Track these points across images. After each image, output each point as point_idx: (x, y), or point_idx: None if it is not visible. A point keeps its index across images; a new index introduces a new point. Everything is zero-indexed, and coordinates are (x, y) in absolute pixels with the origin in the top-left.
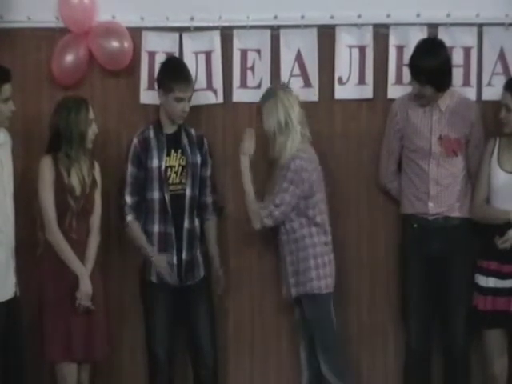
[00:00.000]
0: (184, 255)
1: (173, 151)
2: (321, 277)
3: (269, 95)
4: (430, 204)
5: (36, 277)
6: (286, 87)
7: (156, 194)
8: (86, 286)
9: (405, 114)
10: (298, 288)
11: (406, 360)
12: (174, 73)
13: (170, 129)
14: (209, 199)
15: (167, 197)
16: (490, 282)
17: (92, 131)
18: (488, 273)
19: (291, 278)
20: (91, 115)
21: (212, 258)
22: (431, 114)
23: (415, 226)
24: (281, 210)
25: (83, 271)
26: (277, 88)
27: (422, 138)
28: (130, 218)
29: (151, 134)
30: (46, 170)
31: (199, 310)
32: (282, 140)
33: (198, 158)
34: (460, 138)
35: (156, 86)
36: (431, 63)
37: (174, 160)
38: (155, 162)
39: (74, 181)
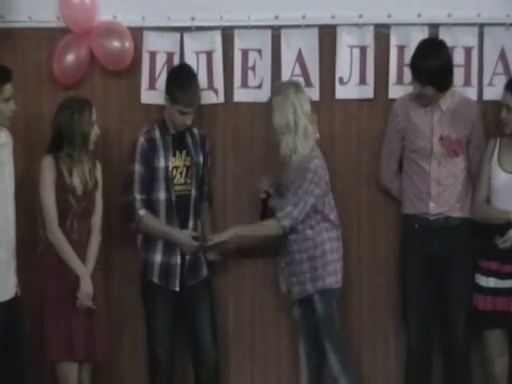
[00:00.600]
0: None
1: (178, 152)
2: (337, 271)
3: (279, 92)
4: (431, 204)
5: (37, 277)
6: (298, 85)
7: (162, 195)
8: (86, 286)
9: (406, 114)
10: (316, 283)
11: (406, 360)
12: (183, 87)
13: (174, 129)
14: (204, 189)
15: (173, 197)
16: (491, 282)
17: (94, 133)
18: (488, 273)
19: (306, 274)
20: (94, 117)
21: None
22: (432, 114)
23: (416, 226)
24: (299, 209)
25: (84, 271)
26: (288, 85)
27: (423, 138)
28: (142, 212)
29: (157, 133)
30: (47, 170)
31: (200, 310)
32: (289, 140)
33: (201, 158)
34: (461, 138)
35: (161, 87)
36: (432, 63)
37: (179, 161)
38: (162, 163)
39: (76, 181)
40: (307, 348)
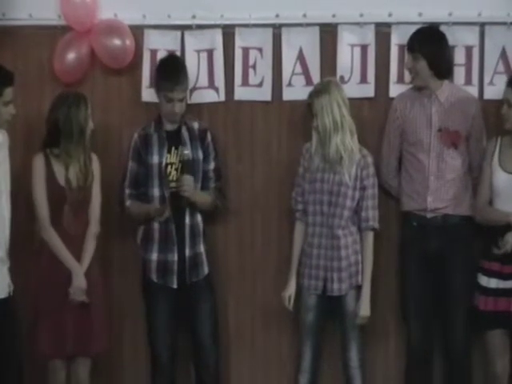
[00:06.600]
0: (187, 252)
1: (173, 148)
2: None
3: (321, 91)
4: (429, 199)
5: (33, 274)
6: (337, 82)
7: (156, 191)
8: (79, 282)
9: (404, 109)
10: (352, 280)
11: (406, 359)
12: (164, 72)
13: (170, 126)
14: (211, 185)
15: (167, 193)
16: (492, 283)
17: (89, 127)
18: (490, 273)
19: (343, 272)
20: (89, 110)
21: None
22: (430, 106)
23: (415, 224)
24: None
25: (77, 267)
26: (330, 84)
27: (422, 130)
28: (128, 202)
29: (152, 130)
30: (38, 168)
31: (201, 309)
32: (339, 139)
33: (200, 153)
34: (460, 130)
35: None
36: (425, 30)
37: (175, 157)
38: (155, 159)
39: (72, 175)
40: (314, 351)
